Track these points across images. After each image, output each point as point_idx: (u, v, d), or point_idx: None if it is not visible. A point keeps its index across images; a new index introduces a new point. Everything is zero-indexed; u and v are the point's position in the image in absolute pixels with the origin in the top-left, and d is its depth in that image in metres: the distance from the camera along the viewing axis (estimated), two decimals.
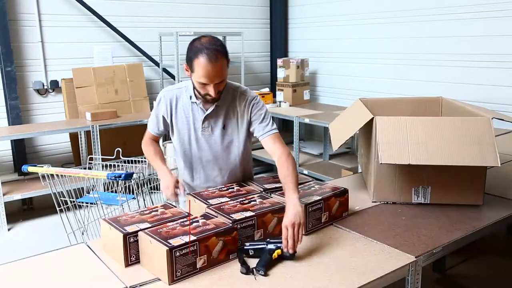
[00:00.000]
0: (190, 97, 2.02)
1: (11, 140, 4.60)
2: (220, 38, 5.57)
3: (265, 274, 1.48)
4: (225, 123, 2.03)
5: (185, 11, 5.53)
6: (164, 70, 5.39)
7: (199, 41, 1.86)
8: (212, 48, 1.81)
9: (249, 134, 2.09)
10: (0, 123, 4.57)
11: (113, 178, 2.37)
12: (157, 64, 5.37)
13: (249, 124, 2.05)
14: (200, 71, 1.81)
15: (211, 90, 1.86)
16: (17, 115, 4.53)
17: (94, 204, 2.73)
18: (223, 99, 2.01)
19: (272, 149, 1.98)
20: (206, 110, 2.00)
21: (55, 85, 4.80)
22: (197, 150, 2.07)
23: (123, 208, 2.63)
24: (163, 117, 2.07)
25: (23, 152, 4.70)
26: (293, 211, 1.61)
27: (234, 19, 5.87)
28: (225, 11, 5.81)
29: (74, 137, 4.82)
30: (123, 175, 2.36)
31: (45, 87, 4.78)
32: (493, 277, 3.08)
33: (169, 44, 5.13)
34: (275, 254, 1.55)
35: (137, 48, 5.22)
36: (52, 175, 2.61)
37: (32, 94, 4.74)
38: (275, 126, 2.04)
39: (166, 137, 4.86)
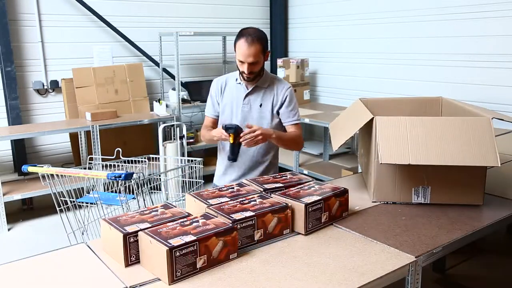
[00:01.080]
0: (236, 79, 2.48)
1: (11, 140, 4.61)
2: (220, 38, 5.65)
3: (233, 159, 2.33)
4: (262, 102, 2.45)
5: (185, 11, 5.53)
6: (164, 70, 5.39)
7: (246, 29, 2.34)
8: (252, 35, 2.28)
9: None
10: (0, 123, 4.57)
11: (113, 178, 2.36)
12: (157, 64, 5.37)
13: (280, 106, 2.46)
14: (238, 50, 2.30)
15: (245, 68, 2.31)
16: (17, 115, 4.53)
17: (94, 204, 2.73)
18: (263, 82, 2.45)
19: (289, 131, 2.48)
20: (248, 89, 2.44)
21: (55, 85, 4.80)
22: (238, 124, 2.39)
23: (123, 208, 2.63)
24: (215, 98, 2.52)
25: (23, 152, 4.71)
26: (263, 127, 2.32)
27: (234, 19, 5.88)
28: (225, 11, 5.81)
29: (74, 137, 4.83)
30: (123, 175, 2.36)
31: (45, 87, 4.78)
32: (493, 277, 3.08)
33: (169, 44, 5.13)
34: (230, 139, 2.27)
35: (137, 48, 5.22)
36: (52, 175, 2.60)
37: (32, 94, 4.75)
38: (299, 116, 2.51)
39: (166, 138, 4.87)
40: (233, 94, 2.48)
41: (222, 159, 2.59)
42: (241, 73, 2.37)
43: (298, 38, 6.14)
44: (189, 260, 1.43)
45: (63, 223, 2.63)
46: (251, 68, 2.31)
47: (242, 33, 2.31)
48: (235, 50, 2.34)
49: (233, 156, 2.34)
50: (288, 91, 2.49)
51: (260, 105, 2.45)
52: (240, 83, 2.47)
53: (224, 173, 2.58)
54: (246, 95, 2.45)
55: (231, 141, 2.28)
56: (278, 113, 2.47)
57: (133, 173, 2.44)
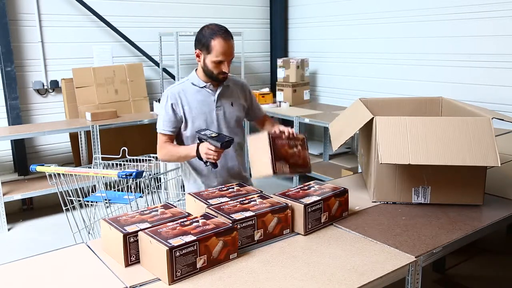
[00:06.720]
0: (198, 83, 2.25)
1: (11, 140, 4.60)
2: None
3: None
4: (232, 100, 2.31)
5: (185, 11, 5.53)
6: (164, 70, 5.39)
7: (208, 27, 2.14)
8: (224, 30, 2.13)
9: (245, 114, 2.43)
10: (0, 123, 4.57)
11: (124, 176, 2.38)
12: (157, 64, 5.37)
13: (250, 102, 2.41)
14: (219, 50, 2.09)
15: (225, 67, 2.14)
16: (17, 115, 4.53)
17: (104, 202, 2.75)
18: (226, 81, 2.27)
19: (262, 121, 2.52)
20: (216, 91, 2.26)
21: (55, 85, 4.80)
22: (215, 130, 2.24)
23: (131, 207, 2.65)
24: (174, 111, 2.22)
25: (23, 152, 4.71)
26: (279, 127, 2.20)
27: (234, 19, 5.88)
28: (225, 11, 5.81)
29: (74, 137, 4.83)
30: (134, 173, 2.38)
31: (45, 87, 4.78)
32: (493, 277, 3.08)
33: (169, 44, 5.13)
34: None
35: (137, 48, 5.22)
36: (58, 174, 2.61)
37: (32, 94, 4.74)
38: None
39: None
40: (199, 100, 2.23)
41: (193, 181, 2.34)
42: (218, 74, 2.16)
43: (298, 38, 6.14)
44: (189, 260, 1.43)
45: (69, 222, 2.64)
46: (229, 65, 2.15)
47: (212, 32, 2.10)
48: (206, 52, 2.12)
49: (216, 164, 2.11)
50: (249, 87, 2.44)
51: (232, 104, 2.30)
52: (205, 86, 2.24)
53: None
54: (218, 97, 2.26)
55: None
56: (246, 109, 2.39)
57: (143, 171, 2.46)
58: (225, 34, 2.11)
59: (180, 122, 2.24)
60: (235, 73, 5.47)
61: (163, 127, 2.24)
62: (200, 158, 2.11)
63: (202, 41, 2.13)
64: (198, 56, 2.18)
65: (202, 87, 2.24)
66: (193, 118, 2.23)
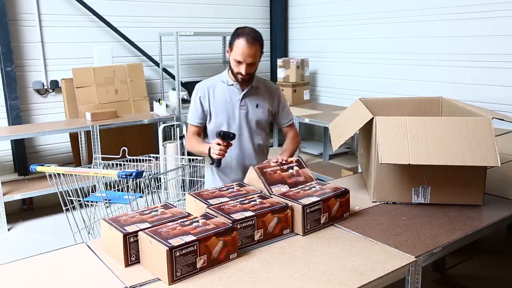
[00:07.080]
0: (227, 81, 2.37)
1: (11, 140, 4.61)
2: (220, 38, 5.65)
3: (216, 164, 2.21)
4: (257, 102, 2.40)
5: (185, 11, 5.53)
6: (164, 70, 5.39)
7: (243, 29, 2.25)
8: (252, 35, 2.20)
9: (272, 118, 2.51)
10: (0, 123, 4.57)
11: (124, 176, 2.39)
12: (157, 64, 5.37)
13: (277, 108, 2.49)
14: (238, 50, 2.19)
15: (242, 69, 2.22)
16: (17, 115, 4.53)
17: (104, 202, 2.75)
18: (256, 83, 2.39)
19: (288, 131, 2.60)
20: (243, 90, 2.36)
21: (55, 85, 4.80)
22: (236, 128, 2.37)
23: (131, 207, 2.65)
24: (201, 104, 2.38)
25: (23, 152, 4.71)
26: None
27: (234, 19, 5.88)
28: (225, 11, 5.81)
29: (74, 137, 4.83)
30: (134, 173, 2.38)
31: (45, 87, 4.78)
32: (493, 277, 3.08)
33: (169, 44, 5.13)
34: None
35: (137, 48, 5.22)
36: (58, 174, 2.61)
37: (32, 94, 4.75)
38: (291, 114, 2.62)
39: (166, 138, 4.87)
40: (225, 97, 2.36)
41: (211, 172, 2.48)
42: (237, 73, 2.27)
43: (298, 38, 6.14)
44: (189, 260, 1.43)
45: (69, 222, 2.63)
46: (248, 69, 2.23)
47: (240, 33, 2.21)
48: (230, 50, 2.25)
49: (219, 162, 2.23)
50: (280, 93, 2.53)
51: (257, 106, 2.39)
52: (232, 84, 2.36)
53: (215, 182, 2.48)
54: (243, 97, 2.37)
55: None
56: (273, 114, 2.49)
57: (143, 171, 2.46)
58: (250, 38, 2.18)
59: (206, 115, 2.40)
60: None
61: (191, 118, 2.42)
62: (210, 157, 2.23)
63: (231, 39, 2.26)
64: (228, 52, 2.30)
65: (230, 85, 2.37)
66: (216, 113, 2.37)
